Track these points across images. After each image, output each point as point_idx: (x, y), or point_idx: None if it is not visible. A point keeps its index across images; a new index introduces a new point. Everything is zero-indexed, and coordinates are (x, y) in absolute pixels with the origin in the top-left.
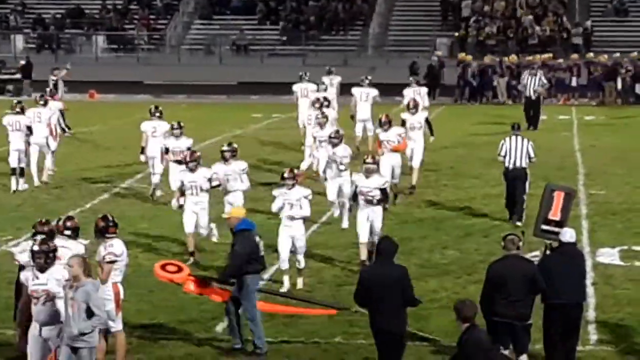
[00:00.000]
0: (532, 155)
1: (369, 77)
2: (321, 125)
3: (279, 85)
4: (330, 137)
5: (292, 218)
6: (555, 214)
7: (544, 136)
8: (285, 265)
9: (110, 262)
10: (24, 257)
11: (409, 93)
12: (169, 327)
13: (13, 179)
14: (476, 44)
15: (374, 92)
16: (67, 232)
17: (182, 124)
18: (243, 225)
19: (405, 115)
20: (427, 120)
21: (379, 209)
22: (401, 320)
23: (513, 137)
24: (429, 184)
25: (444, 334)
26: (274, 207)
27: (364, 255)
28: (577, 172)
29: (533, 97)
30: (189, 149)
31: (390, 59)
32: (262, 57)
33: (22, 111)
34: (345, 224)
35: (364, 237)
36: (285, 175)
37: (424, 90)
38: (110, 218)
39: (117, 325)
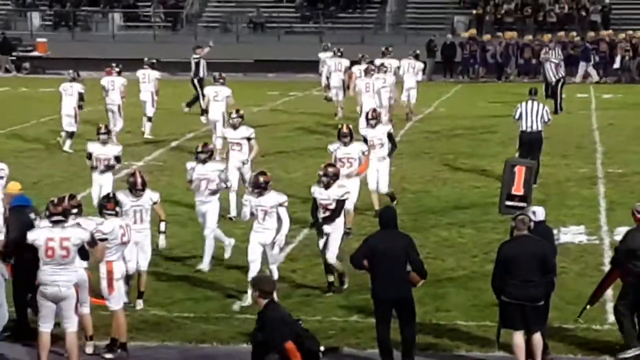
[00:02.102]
0: (547, 118)
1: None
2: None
3: (296, 63)
4: (247, 138)
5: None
6: (518, 189)
7: (562, 115)
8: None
9: (100, 240)
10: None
11: (403, 64)
12: (185, 305)
13: (68, 141)
14: (494, 22)
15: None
16: (74, 211)
17: (241, 112)
18: (18, 202)
19: (363, 130)
20: (389, 136)
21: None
22: (408, 286)
23: (529, 102)
24: (447, 163)
25: (461, 312)
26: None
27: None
28: (595, 150)
29: (553, 81)
30: (248, 139)
31: (407, 36)
32: (279, 35)
33: (76, 78)
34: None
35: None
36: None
37: (419, 65)
38: (111, 195)
39: (113, 305)
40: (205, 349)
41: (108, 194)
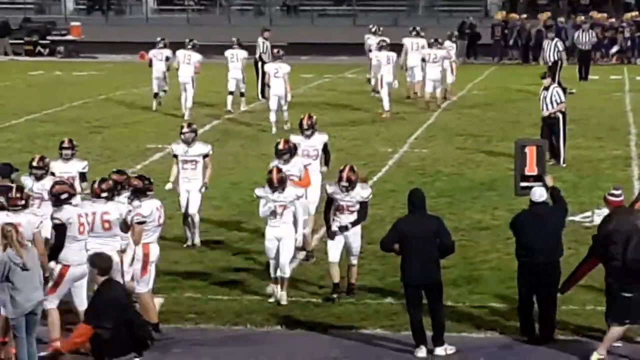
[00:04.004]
0: (559, 100)
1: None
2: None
3: (330, 46)
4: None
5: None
6: (531, 169)
7: (595, 96)
8: (274, 272)
9: (139, 223)
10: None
11: (406, 42)
12: (219, 287)
13: (154, 102)
14: (527, 3)
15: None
16: (104, 195)
17: (194, 126)
18: None
19: (296, 138)
20: (324, 148)
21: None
22: (437, 269)
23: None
24: (480, 146)
25: (495, 294)
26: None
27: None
28: (628, 132)
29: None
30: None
31: (440, 18)
32: (312, 18)
33: (165, 46)
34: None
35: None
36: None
37: (422, 41)
38: (147, 177)
39: (142, 288)
40: (239, 331)
41: (143, 175)
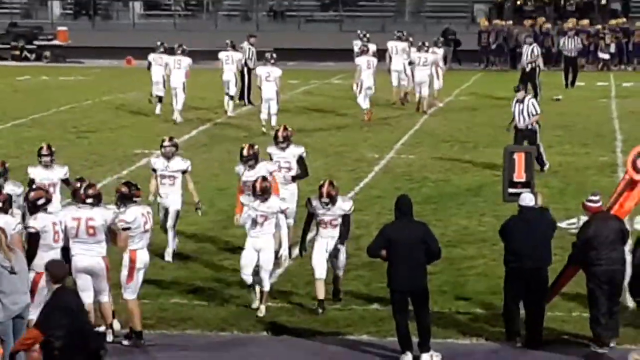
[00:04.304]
0: (534, 112)
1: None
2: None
3: (316, 52)
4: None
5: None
6: (519, 176)
7: (581, 103)
8: (250, 279)
9: (123, 230)
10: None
11: (389, 45)
12: (205, 293)
13: (158, 105)
14: (514, 10)
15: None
16: (89, 200)
17: (174, 140)
18: None
19: (270, 149)
20: (300, 161)
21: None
22: (424, 275)
23: (516, 99)
24: (467, 151)
25: (481, 301)
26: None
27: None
28: (614, 138)
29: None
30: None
31: (427, 25)
32: (299, 23)
33: (165, 51)
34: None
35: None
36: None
37: (402, 45)
38: (134, 183)
39: (128, 295)
40: (226, 337)
41: (129, 182)
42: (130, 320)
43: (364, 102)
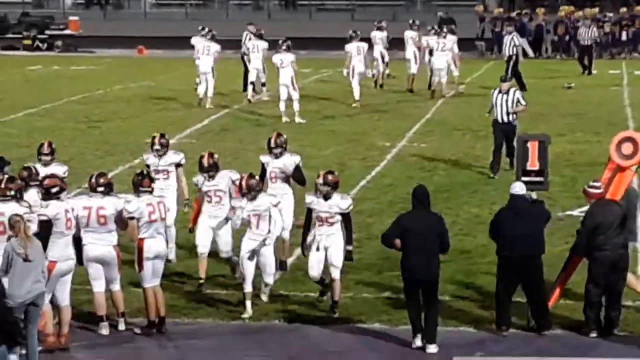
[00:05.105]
0: (522, 104)
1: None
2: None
3: (328, 40)
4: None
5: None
6: (533, 164)
7: (593, 91)
8: (248, 287)
9: (129, 219)
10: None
11: (372, 35)
12: (217, 282)
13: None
14: None
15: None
16: (100, 189)
17: (166, 136)
18: None
19: (264, 158)
20: (297, 169)
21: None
22: (437, 266)
23: (498, 90)
24: (479, 139)
25: (492, 289)
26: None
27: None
28: (627, 126)
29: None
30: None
31: (439, 13)
32: (310, 12)
33: (213, 38)
34: None
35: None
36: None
37: (412, 33)
38: (146, 173)
39: (143, 283)
40: (238, 325)
41: (142, 171)
42: (148, 310)
43: (357, 91)
